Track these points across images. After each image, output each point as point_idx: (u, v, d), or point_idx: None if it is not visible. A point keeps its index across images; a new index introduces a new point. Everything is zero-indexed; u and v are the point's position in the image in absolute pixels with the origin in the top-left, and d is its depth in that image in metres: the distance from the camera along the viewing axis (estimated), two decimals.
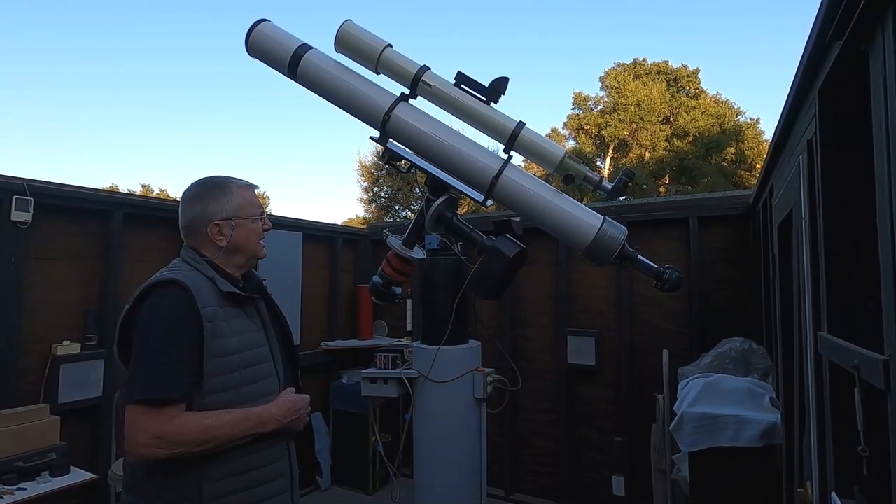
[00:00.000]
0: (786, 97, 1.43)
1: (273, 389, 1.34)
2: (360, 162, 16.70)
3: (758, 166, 15.70)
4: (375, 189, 16.63)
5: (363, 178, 16.85)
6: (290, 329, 1.54)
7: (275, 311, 1.50)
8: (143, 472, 1.23)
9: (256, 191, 1.49)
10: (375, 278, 1.98)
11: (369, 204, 16.73)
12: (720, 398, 2.10)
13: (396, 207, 16.39)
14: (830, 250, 1.06)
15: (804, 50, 1.12)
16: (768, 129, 16.84)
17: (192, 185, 1.43)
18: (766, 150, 2.14)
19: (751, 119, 17.64)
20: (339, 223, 6.92)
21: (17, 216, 2.33)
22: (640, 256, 1.70)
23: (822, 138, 1.08)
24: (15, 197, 2.32)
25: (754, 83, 29.05)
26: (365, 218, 16.57)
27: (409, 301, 3.73)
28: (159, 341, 1.20)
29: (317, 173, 39.58)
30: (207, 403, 1.22)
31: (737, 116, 17.78)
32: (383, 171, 15.87)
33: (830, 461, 1.02)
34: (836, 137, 1.05)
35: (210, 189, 1.39)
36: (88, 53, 37.65)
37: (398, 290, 2.02)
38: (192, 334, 1.21)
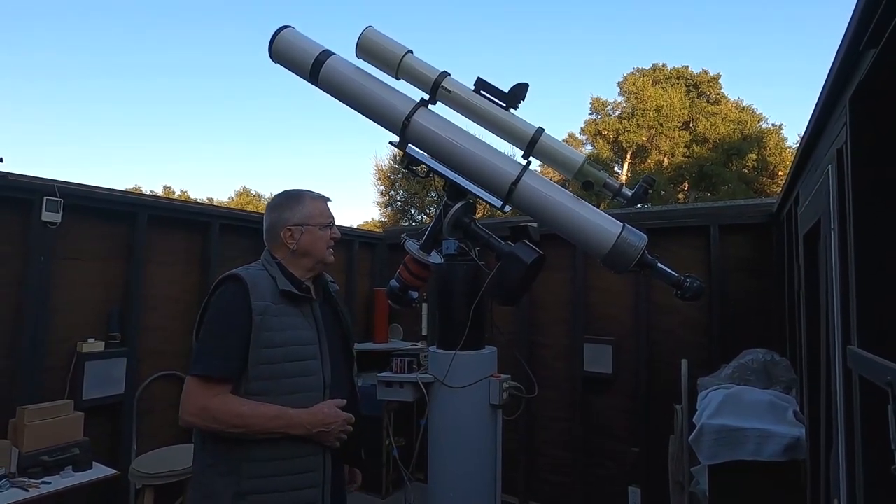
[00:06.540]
0: (814, 105, 1.40)
1: (315, 387, 1.43)
2: (376, 166, 16.83)
3: (780, 173, 15.37)
4: (392, 193, 16.71)
5: (379, 182, 16.96)
6: (350, 332, 1.64)
7: (336, 314, 1.61)
8: (200, 441, 1.40)
9: (330, 203, 1.62)
10: (393, 282, 1.98)
11: (385, 207, 16.82)
12: (742, 410, 2.05)
13: (412, 211, 16.45)
14: (861, 262, 1.03)
15: (835, 57, 1.10)
16: (791, 136, 16.50)
17: (276, 195, 1.60)
18: (790, 158, 2.09)
19: (773, 125, 17.30)
20: (355, 226, 6.97)
21: (47, 216, 2.39)
22: (659, 264, 1.68)
23: (853, 147, 1.05)
24: (45, 198, 2.39)
25: (778, 89, 28.55)
26: (381, 221, 16.66)
27: (424, 305, 3.73)
28: (216, 326, 1.38)
29: (332, 176, 39.98)
30: (252, 388, 1.35)
31: (759, 122, 17.44)
32: (400, 175, 15.95)
33: (860, 480, 0.99)
34: (867, 147, 1.03)
35: (287, 199, 1.56)
36: (110, 62, 38.73)
37: (415, 294, 2.02)
38: (243, 323, 1.35)
